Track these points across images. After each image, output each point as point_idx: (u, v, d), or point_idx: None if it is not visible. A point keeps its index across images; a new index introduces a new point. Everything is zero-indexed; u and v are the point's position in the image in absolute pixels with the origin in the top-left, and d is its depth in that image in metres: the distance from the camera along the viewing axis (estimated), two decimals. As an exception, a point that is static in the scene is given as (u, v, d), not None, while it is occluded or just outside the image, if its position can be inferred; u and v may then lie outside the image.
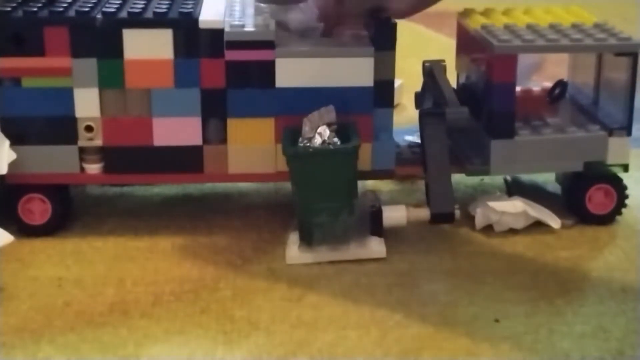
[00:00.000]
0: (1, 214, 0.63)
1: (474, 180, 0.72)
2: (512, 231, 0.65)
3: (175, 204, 0.69)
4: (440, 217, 0.61)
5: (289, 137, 0.60)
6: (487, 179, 0.72)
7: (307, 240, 0.60)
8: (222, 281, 0.59)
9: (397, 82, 0.81)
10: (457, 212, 0.61)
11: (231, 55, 0.61)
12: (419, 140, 0.68)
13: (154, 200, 0.69)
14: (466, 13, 0.69)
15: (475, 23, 0.66)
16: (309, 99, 0.61)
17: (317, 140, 0.59)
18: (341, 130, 0.60)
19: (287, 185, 0.70)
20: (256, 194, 0.70)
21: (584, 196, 0.66)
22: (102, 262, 0.61)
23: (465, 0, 0.68)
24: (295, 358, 0.52)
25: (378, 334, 0.54)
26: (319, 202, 0.59)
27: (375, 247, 0.61)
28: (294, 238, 0.62)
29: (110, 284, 0.58)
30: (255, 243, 0.63)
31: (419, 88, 0.67)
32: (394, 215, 0.62)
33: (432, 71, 0.64)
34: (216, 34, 0.61)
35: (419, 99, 0.67)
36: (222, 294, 0.57)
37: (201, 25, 0.61)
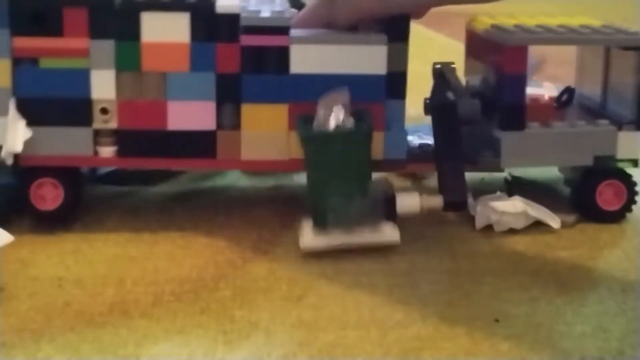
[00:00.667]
0: (14, 201, 0.63)
1: (473, 180, 0.72)
2: (512, 231, 0.65)
3: (175, 204, 0.69)
4: (453, 206, 0.62)
5: (303, 124, 0.61)
6: (487, 178, 0.72)
7: (321, 224, 0.60)
8: (222, 281, 0.59)
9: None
10: (470, 201, 0.62)
11: (247, 40, 0.61)
12: (419, 140, 0.68)
13: (154, 200, 0.70)
14: (474, 19, 0.70)
15: (485, 25, 0.67)
16: (323, 85, 0.61)
17: (332, 123, 0.59)
18: (355, 116, 0.60)
19: (288, 185, 0.70)
20: (256, 194, 0.70)
21: (594, 191, 0.66)
22: (102, 262, 0.61)
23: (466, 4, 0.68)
24: (295, 358, 0.51)
25: (378, 334, 0.54)
26: (334, 183, 0.59)
27: (389, 231, 0.61)
28: (307, 223, 0.62)
29: (110, 284, 0.58)
30: (255, 243, 0.63)
31: (419, 87, 0.67)
32: (408, 202, 0.62)
33: (442, 73, 0.64)
34: (232, 19, 0.61)
35: (430, 102, 0.67)
36: (222, 294, 0.57)
37: (218, 10, 0.61)
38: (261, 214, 0.67)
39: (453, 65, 0.65)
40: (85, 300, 0.56)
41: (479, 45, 0.68)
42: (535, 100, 0.72)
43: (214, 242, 0.63)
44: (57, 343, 0.52)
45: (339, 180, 0.59)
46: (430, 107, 0.64)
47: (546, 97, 0.73)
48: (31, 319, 0.55)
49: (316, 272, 0.60)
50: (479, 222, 0.65)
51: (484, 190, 0.70)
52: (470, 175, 0.68)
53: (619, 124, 0.65)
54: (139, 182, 0.70)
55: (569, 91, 0.72)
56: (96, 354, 0.52)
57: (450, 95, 0.63)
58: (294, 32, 0.62)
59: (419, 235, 0.64)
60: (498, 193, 0.68)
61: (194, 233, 0.65)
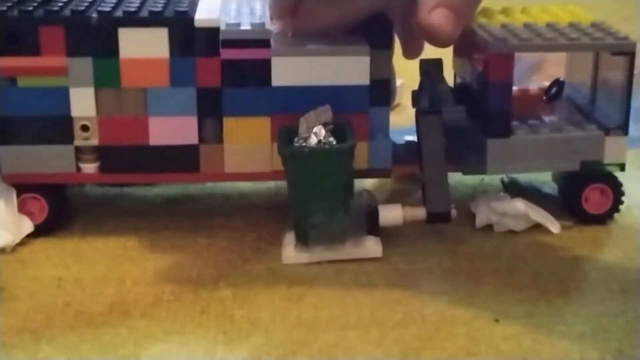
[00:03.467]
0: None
1: (474, 180, 0.72)
2: (512, 231, 0.65)
3: (175, 204, 0.69)
4: (437, 217, 0.61)
5: (285, 136, 0.60)
6: (487, 178, 0.72)
7: (302, 240, 0.60)
8: (222, 281, 0.59)
9: (398, 82, 0.81)
10: (454, 212, 0.61)
11: (227, 54, 0.61)
12: (406, 138, 0.68)
13: (154, 200, 0.69)
14: None
15: (473, 23, 0.66)
16: (305, 97, 0.61)
17: (313, 140, 0.59)
18: (337, 129, 0.60)
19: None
20: (256, 194, 0.70)
21: (580, 196, 0.66)
22: (102, 262, 0.61)
23: None
24: (295, 358, 0.52)
25: (378, 334, 0.54)
26: (315, 201, 0.59)
27: (371, 246, 0.61)
28: (290, 238, 0.62)
29: (110, 284, 0.58)
30: (255, 243, 0.63)
31: (415, 86, 0.67)
32: (390, 214, 0.62)
33: (428, 70, 0.64)
34: (212, 33, 0.61)
35: (416, 97, 0.67)
36: (222, 294, 0.57)
37: (197, 24, 0.60)
38: (261, 214, 0.67)
39: (440, 62, 0.65)
40: (85, 300, 0.57)
41: (467, 42, 0.67)
42: (524, 91, 0.72)
43: (214, 242, 0.63)
44: (57, 343, 0.52)
45: (320, 197, 0.59)
46: (415, 114, 0.63)
47: (535, 87, 0.73)
48: (31, 319, 0.55)
49: (316, 272, 0.60)
50: (479, 221, 0.65)
51: (485, 190, 0.70)
52: (470, 176, 0.69)
53: (606, 129, 0.65)
54: (138, 182, 0.70)
55: (558, 84, 0.72)
56: (96, 354, 0.52)
57: (435, 96, 0.62)
58: (275, 44, 0.61)
59: (419, 235, 0.64)
60: (501, 194, 0.67)
61: (194, 233, 0.65)
